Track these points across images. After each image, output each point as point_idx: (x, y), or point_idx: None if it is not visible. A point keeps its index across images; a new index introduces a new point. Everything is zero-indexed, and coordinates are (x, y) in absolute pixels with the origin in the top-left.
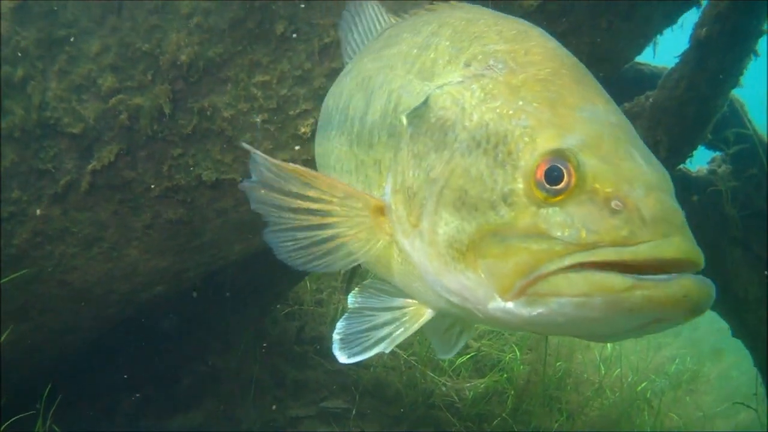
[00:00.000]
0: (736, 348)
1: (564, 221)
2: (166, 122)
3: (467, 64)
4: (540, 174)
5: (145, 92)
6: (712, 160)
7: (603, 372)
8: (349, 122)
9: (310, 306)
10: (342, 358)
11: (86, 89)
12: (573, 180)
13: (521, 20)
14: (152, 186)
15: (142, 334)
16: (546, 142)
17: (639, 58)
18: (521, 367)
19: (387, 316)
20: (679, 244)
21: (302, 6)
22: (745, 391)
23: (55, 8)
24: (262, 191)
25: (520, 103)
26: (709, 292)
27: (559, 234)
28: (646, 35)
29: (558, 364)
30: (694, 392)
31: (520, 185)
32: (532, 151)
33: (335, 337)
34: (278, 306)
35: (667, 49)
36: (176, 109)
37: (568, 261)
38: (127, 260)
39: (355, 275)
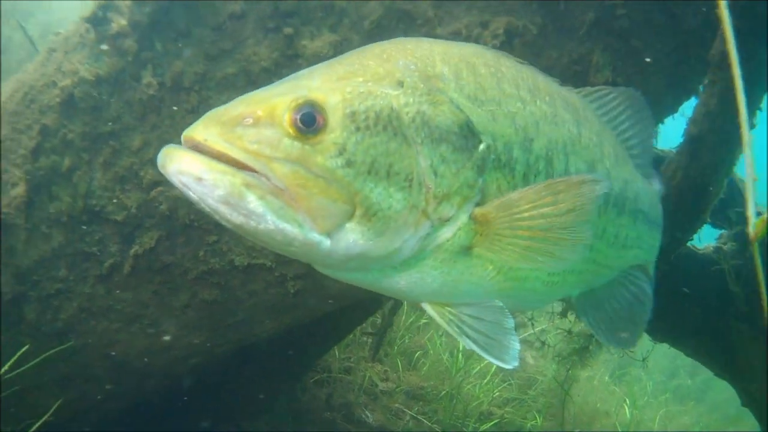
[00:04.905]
0: None
1: None
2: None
3: None
4: None
5: None
6: (720, 237)
7: None
8: None
9: (338, 374)
10: None
11: (129, 180)
12: None
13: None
14: (189, 269)
15: (178, 399)
16: None
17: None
18: None
19: None
20: (193, 128)
21: None
22: None
23: (99, 105)
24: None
25: None
26: (173, 155)
27: None
28: None
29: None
30: None
31: None
32: None
33: None
34: (308, 373)
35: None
36: None
37: None
38: (166, 336)
39: (381, 344)
